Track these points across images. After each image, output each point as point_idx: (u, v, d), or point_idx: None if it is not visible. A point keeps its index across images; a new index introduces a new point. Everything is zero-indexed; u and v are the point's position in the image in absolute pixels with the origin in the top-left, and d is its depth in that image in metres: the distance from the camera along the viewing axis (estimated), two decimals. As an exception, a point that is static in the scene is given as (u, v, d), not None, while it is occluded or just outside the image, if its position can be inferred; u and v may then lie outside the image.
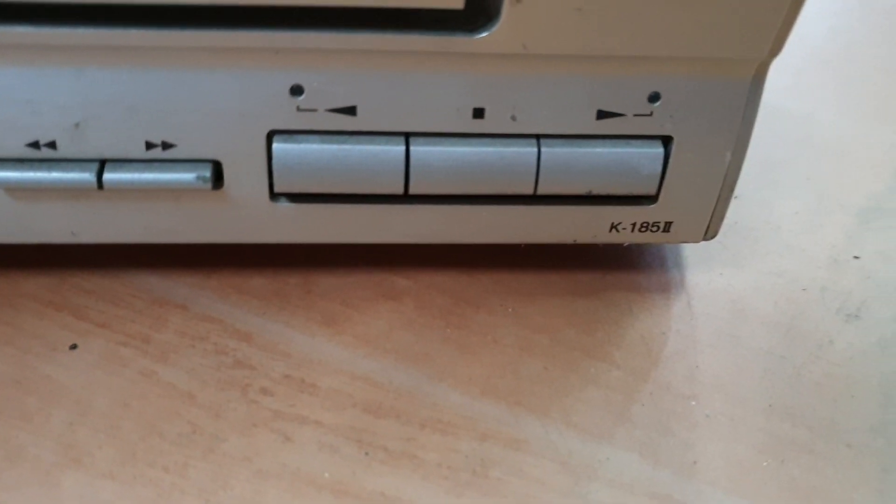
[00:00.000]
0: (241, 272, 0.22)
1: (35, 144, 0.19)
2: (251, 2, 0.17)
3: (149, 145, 0.19)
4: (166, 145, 0.19)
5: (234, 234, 0.21)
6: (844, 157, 0.28)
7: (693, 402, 0.21)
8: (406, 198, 0.20)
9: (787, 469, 0.20)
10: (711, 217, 0.21)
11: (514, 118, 0.19)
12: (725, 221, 0.22)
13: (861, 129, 0.29)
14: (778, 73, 0.22)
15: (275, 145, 0.19)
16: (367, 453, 0.19)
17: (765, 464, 0.20)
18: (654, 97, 0.19)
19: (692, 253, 0.24)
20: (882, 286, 0.24)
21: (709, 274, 0.24)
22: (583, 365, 0.21)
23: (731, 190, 0.21)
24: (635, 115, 0.19)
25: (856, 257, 0.24)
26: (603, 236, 0.21)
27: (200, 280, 0.22)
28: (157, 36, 0.17)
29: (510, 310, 0.22)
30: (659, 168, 0.20)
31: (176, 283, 0.22)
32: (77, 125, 0.18)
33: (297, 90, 0.18)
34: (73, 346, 0.21)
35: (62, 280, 0.22)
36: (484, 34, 0.17)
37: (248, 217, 0.20)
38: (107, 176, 0.19)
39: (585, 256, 0.24)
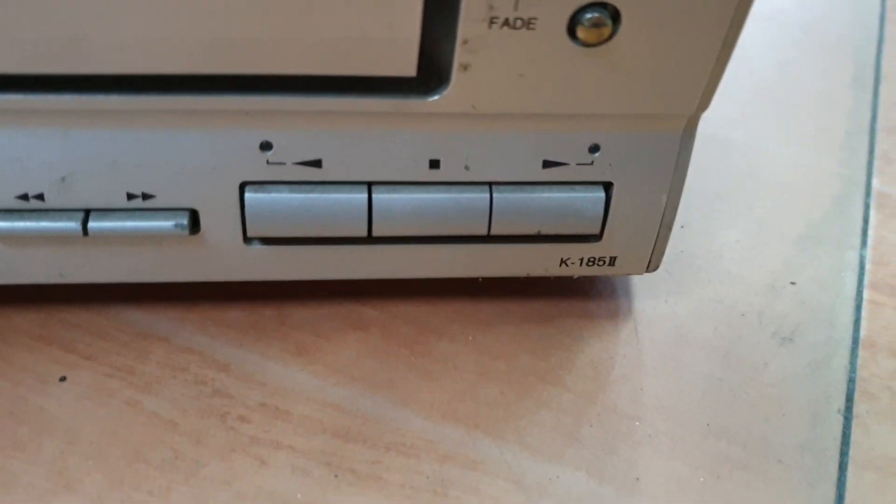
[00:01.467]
0: (219, 306, 0.24)
1: (24, 196, 0.20)
2: (222, 71, 0.18)
3: (130, 196, 0.21)
4: (146, 196, 0.20)
5: (212, 273, 0.22)
6: (786, 187, 0.30)
7: (637, 423, 0.23)
8: (370, 239, 0.22)
9: (722, 484, 0.22)
10: (652, 252, 0.23)
11: (467, 168, 0.21)
12: (671, 251, 0.24)
13: (802, 159, 0.31)
14: (724, 107, 0.23)
15: (247, 195, 0.20)
16: (336, 475, 0.21)
17: (701, 479, 0.22)
18: (594, 148, 0.21)
19: (639, 281, 0.26)
20: (815, 311, 0.26)
21: (654, 301, 0.25)
22: (536, 389, 0.23)
23: (669, 228, 0.23)
24: (578, 164, 0.21)
25: (792, 283, 0.26)
26: (554, 270, 0.23)
27: (181, 314, 0.24)
28: (137, 101, 0.19)
29: (470, 338, 0.24)
30: (601, 211, 0.21)
31: (158, 317, 0.24)
32: (63, 179, 0.20)
33: (266, 146, 0.20)
34: (63, 378, 0.22)
35: (50, 315, 0.23)
36: (436, 97, 0.19)
37: (224, 258, 0.22)
38: (91, 224, 0.20)
39: (540, 287, 0.26)
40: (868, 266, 0.27)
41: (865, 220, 0.29)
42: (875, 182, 0.31)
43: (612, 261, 0.23)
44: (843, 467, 0.22)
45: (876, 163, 0.31)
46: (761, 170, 0.30)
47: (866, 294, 0.26)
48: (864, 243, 0.28)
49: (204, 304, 0.24)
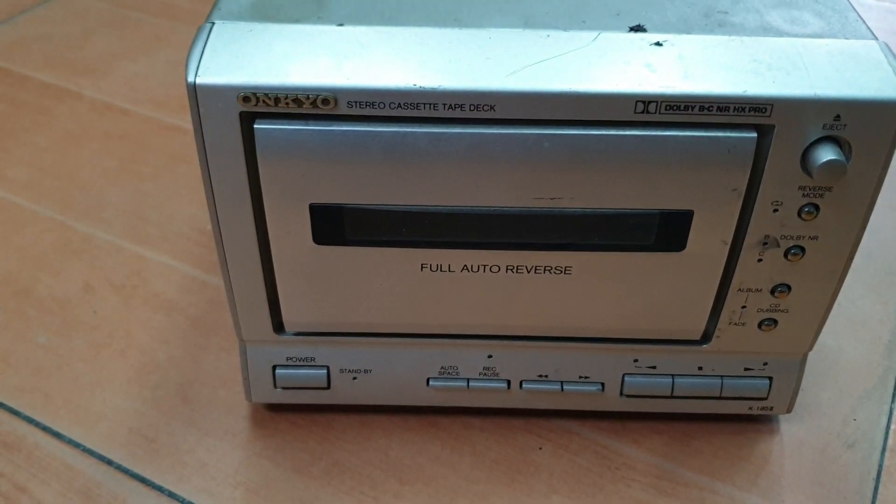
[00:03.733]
0: (592, 420, 0.55)
1: (447, 370, 0.52)
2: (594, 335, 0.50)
3: (540, 376, 0.52)
4: (546, 377, 0.52)
5: (606, 407, 0.54)
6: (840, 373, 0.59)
7: (780, 476, 0.52)
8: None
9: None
10: (791, 403, 0.53)
11: (700, 368, 0.52)
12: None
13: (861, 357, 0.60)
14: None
15: (626, 378, 0.52)
16: (657, 489, 0.51)
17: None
18: (764, 363, 0.51)
19: (783, 416, 0.56)
20: (866, 435, 0.55)
21: (789, 423, 0.55)
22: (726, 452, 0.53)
23: (797, 394, 0.53)
24: (758, 373, 0.51)
25: (854, 419, 0.55)
26: (745, 411, 0.53)
27: (578, 423, 0.55)
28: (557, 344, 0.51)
29: (704, 443, 0.55)
30: (767, 390, 0.52)
31: (579, 423, 0.55)
32: (490, 356, 0.52)
33: (635, 361, 0.51)
34: (541, 448, 0.54)
35: (536, 423, 0.55)
36: (705, 345, 0.50)
37: (609, 403, 0.53)
38: (525, 385, 0.52)
39: (734, 416, 0.56)
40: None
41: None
42: None
43: (772, 408, 0.53)
44: None
45: None
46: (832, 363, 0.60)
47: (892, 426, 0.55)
48: (893, 398, 0.57)
49: (587, 418, 0.55)
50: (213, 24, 0.43)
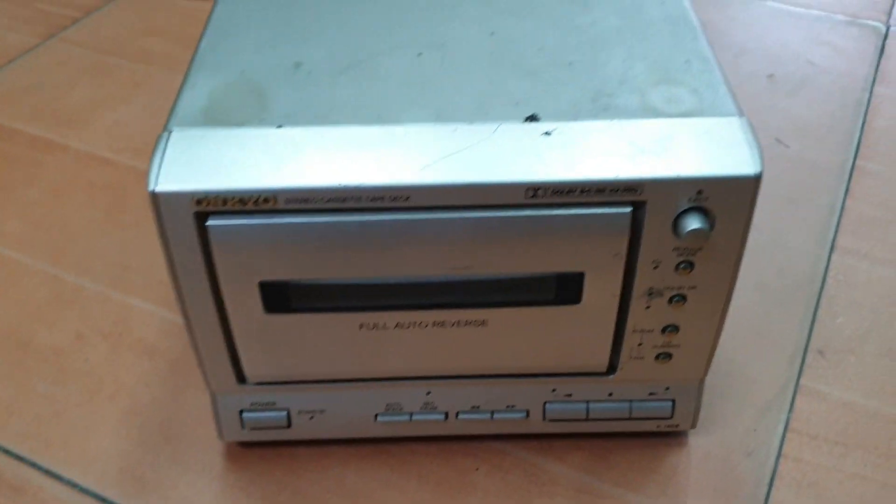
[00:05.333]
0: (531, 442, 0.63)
1: (394, 407, 0.60)
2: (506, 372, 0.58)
3: (473, 407, 0.60)
4: (484, 410, 0.60)
5: (530, 430, 0.62)
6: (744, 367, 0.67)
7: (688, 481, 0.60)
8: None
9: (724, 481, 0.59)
10: (694, 418, 0.61)
11: (610, 394, 0.60)
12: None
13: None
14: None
15: (549, 406, 0.60)
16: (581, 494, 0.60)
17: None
18: (667, 390, 0.59)
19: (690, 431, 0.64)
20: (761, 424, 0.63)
21: (695, 437, 0.63)
22: (637, 465, 0.61)
23: (699, 412, 0.61)
24: (661, 397, 0.59)
25: (755, 430, 0.63)
26: (653, 429, 0.61)
27: (511, 445, 0.63)
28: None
29: (618, 455, 0.63)
30: (670, 411, 0.60)
31: (514, 446, 0.63)
32: (428, 392, 0.60)
33: (554, 393, 0.59)
34: (477, 469, 0.62)
35: (484, 446, 0.63)
36: (611, 377, 0.58)
37: (533, 427, 0.61)
38: (460, 416, 0.60)
39: (645, 434, 0.64)
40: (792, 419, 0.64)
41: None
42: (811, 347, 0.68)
43: (677, 425, 0.61)
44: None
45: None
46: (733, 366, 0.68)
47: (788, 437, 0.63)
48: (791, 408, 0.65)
49: (517, 440, 0.63)
50: (171, 132, 0.50)
